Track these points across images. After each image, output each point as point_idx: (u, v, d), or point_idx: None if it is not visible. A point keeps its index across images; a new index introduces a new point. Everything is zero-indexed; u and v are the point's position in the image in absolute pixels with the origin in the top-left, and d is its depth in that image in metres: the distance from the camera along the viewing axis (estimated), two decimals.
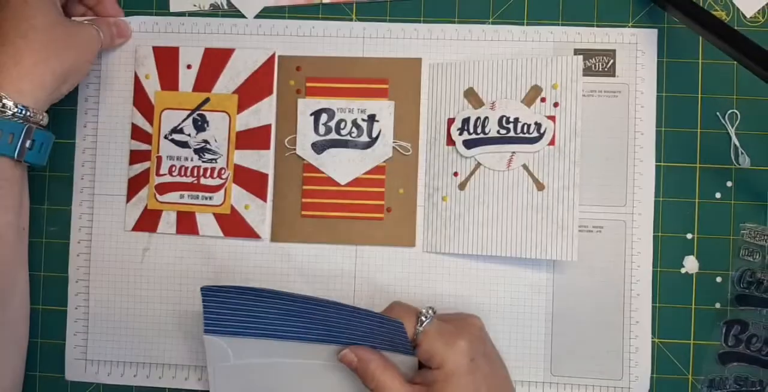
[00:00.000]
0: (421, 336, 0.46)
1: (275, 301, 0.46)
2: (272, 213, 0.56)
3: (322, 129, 0.56)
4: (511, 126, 0.53)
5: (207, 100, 0.56)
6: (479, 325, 0.48)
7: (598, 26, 0.55)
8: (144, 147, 0.56)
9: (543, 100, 0.53)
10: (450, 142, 0.54)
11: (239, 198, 0.56)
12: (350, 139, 0.55)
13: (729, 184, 0.54)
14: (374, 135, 0.55)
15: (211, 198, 0.56)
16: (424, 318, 0.46)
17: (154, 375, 0.56)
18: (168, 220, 0.56)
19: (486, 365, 0.46)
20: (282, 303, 0.46)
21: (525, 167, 0.53)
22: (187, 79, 0.56)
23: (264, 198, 0.56)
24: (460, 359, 0.45)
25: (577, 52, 0.54)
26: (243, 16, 0.57)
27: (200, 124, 0.56)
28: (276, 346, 0.48)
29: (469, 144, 0.54)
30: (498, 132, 0.53)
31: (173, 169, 0.56)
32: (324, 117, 0.55)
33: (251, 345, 0.48)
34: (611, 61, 0.54)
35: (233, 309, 0.46)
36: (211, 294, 0.46)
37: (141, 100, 0.57)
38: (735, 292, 0.54)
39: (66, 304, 0.56)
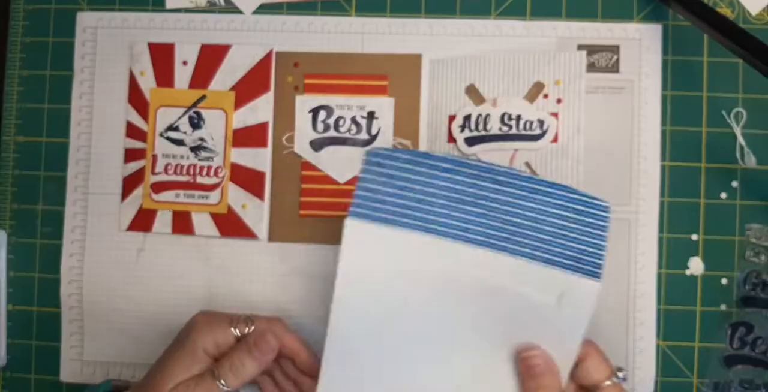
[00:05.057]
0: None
1: (450, 173, 0.40)
2: (270, 212, 0.55)
3: (320, 126, 0.55)
4: (513, 123, 0.52)
5: (203, 97, 0.55)
6: None
7: (601, 22, 0.54)
8: (139, 145, 0.56)
9: (546, 96, 0.52)
10: (451, 139, 0.54)
11: (236, 197, 0.55)
12: (349, 136, 0.55)
13: (735, 184, 0.54)
14: (374, 132, 0.54)
15: (207, 197, 0.55)
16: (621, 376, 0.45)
17: None
18: (163, 220, 0.55)
19: None
20: (457, 177, 0.40)
21: (527, 165, 0.52)
22: (183, 75, 0.56)
23: (261, 197, 0.55)
24: None
25: (580, 47, 0.54)
26: (240, 12, 0.56)
27: (196, 122, 0.55)
28: (425, 250, 0.40)
29: (470, 141, 0.53)
30: (500, 129, 0.53)
31: (169, 167, 0.55)
32: (322, 114, 0.55)
33: (398, 245, 0.40)
34: (615, 56, 0.54)
35: (395, 185, 0.40)
36: (374, 160, 0.40)
37: (136, 97, 0.56)
38: (740, 294, 0.53)
39: (60, 305, 0.56)
